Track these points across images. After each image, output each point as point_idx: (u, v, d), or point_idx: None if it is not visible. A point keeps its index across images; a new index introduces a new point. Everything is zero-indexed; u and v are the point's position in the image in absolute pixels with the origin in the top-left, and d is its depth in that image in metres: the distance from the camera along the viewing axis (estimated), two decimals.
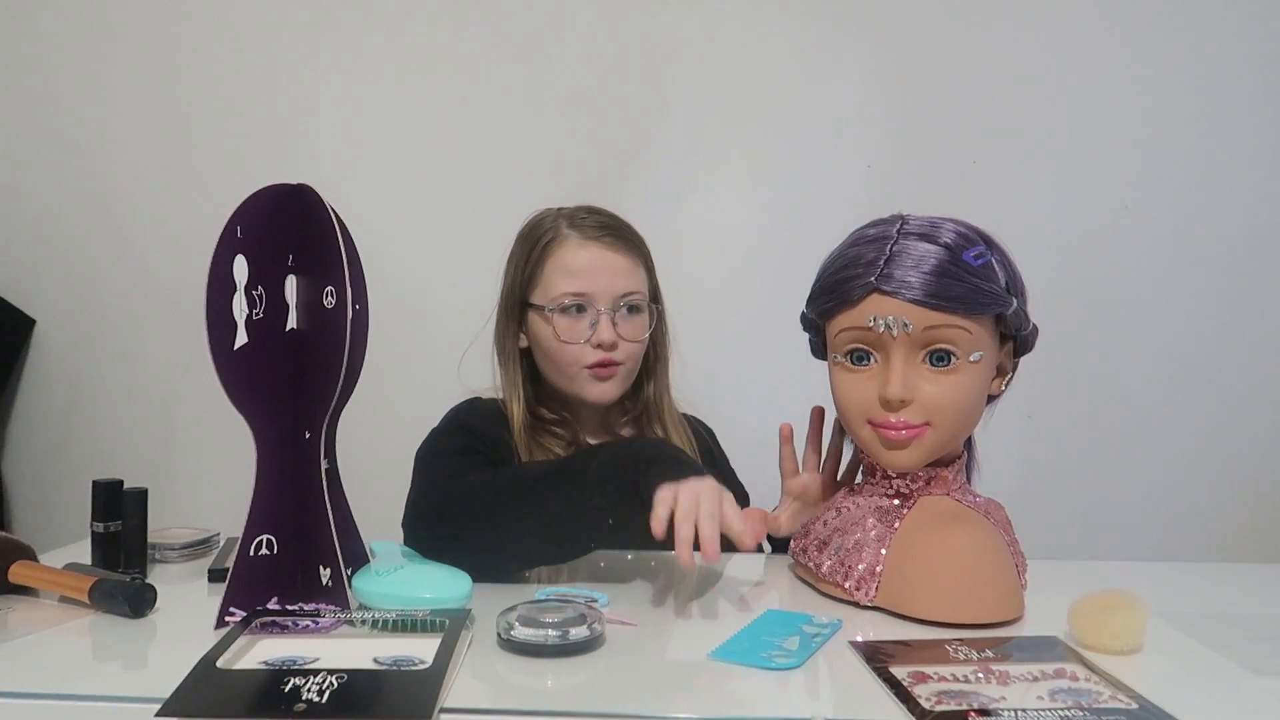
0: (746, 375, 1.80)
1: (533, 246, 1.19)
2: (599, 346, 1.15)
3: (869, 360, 0.91)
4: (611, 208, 1.23)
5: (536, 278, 1.18)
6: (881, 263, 0.88)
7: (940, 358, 0.89)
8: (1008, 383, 0.97)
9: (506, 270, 1.23)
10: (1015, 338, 0.95)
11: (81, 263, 1.99)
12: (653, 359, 1.25)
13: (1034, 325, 0.95)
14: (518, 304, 1.20)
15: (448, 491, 1.01)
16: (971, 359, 0.89)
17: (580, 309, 1.15)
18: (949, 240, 0.89)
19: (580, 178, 1.82)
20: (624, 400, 1.25)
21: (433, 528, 0.98)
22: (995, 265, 0.90)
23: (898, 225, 0.91)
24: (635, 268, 1.19)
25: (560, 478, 0.94)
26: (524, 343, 1.21)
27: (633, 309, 1.18)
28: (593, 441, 1.22)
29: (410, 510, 1.03)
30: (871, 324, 0.89)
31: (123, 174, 1.95)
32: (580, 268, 1.16)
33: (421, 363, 1.78)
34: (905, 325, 0.87)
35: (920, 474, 0.94)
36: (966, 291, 0.87)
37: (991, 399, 0.97)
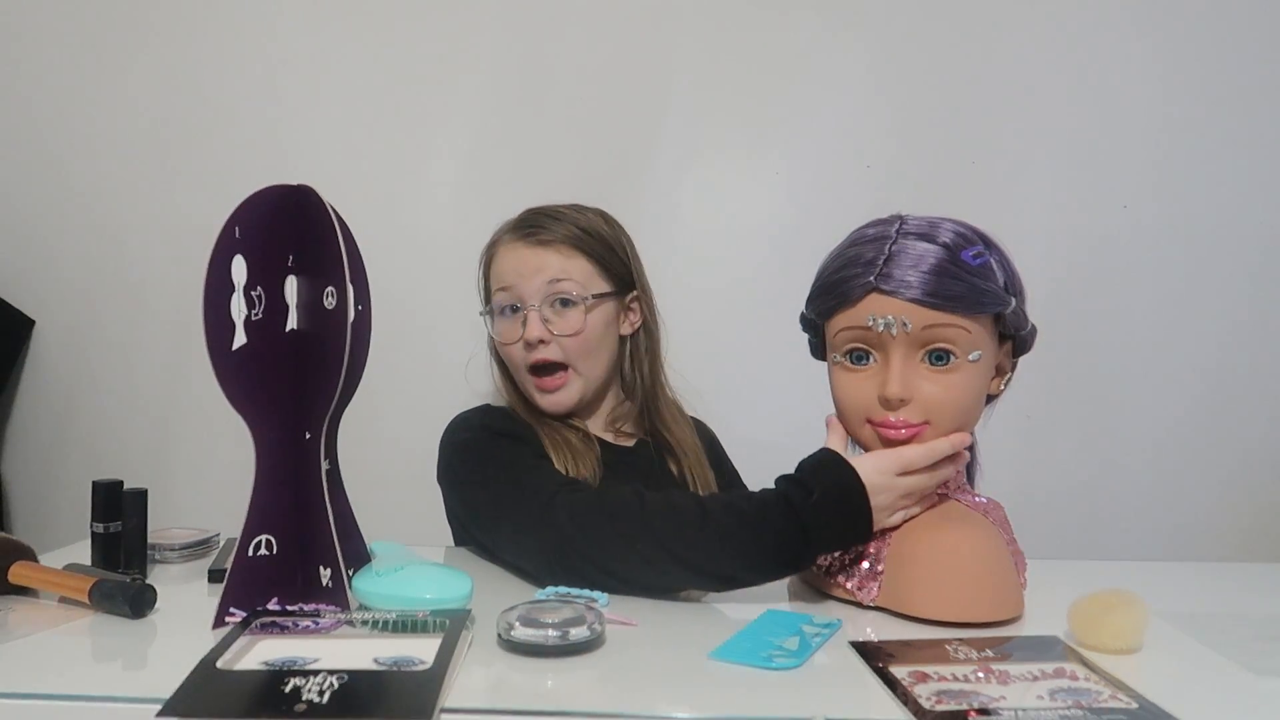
0: (746, 375, 1.80)
1: (484, 256, 1.23)
2: (528, 345, 1.15)
3: (868, 360, 0.92)
4: (610, 207, 1.23)
5: (487, 285, 1.22)
6: (881, 262, 0.89)
7: (939, 357, 0.89)
8: (1007, 382, 0.97)
9: None
10: (1014, 338, 0.95)
11: (81, 263, 1.99)
12: (641, 349, 1.23)
13: (1032, 325, 0.96)
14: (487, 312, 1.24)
15: (610, 504, 0.95)
16: (970, 358, 0.89)
17: (513, 309, 1.17)
18: (948, 240, 0.89)
19: (581, 177, 1.82)
20: (621, 394, 1.25)
21: (585, 530, 0.93)
22: (994, 265, 0.90)
23: (896, 225, 0.91)
24: (564, 261, 1.16)
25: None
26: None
27: (565, 302, 1.16)
28: (603, 437, 1.21)
29: (521, 509, 0.98)
30: (871, 323, 0.89)
31: (122, 175, 1.95)
32: (506, 268, 1.18)
33: (424, 363, 1.78)
34: (904, 324, 0.88)
35: None
36: (965, 290, 0.87)
37: (991, 399, 0.97)
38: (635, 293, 1.22)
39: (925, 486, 0.91)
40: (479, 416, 1.17)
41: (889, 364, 0.89)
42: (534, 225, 1.19)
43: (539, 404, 1.19)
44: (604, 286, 1.18)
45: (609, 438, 1.22)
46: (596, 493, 1.01)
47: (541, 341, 1.15)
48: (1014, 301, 0.91)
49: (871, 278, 0.88)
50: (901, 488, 0.90)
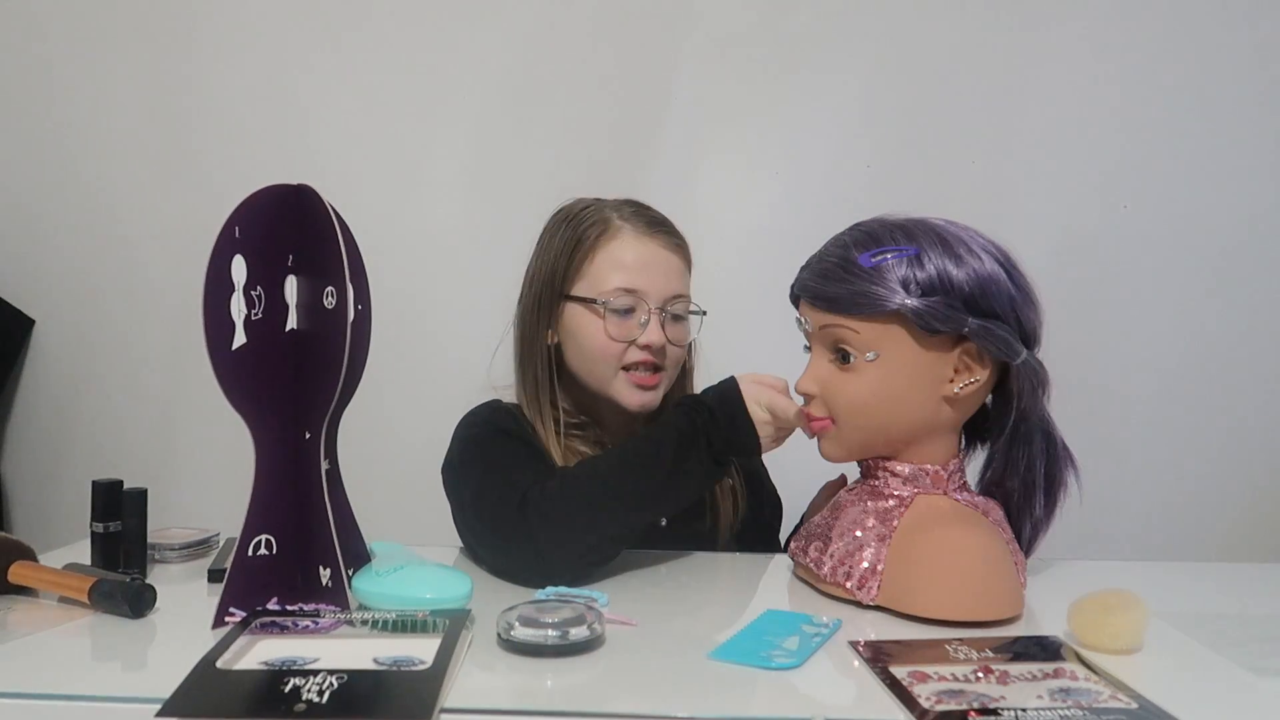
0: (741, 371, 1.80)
1: (579, 237, 1.13)
2: (645, 347, 1.11)
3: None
4: None
5: (583, 270, 1.13)
6: (805, 269, 0.97)
7: (844, 356, 0.93)
8: (966, 384, 0.91)
9: (541, 259, 1.16)
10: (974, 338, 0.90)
11: (81, 263, 1.99)
12: (688, 364, 1.22)
13: (977, 324, 0.89)
14: (555, 296, 1.14)
15: (561, 485, 0.99)
16: (867, 358, 0.91)
17: (629, 309, 1.11)
18: (847, 240, 0.93)
19: (580, 177, 1.80)
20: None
21: (551, 520, 0.96)
22: (893, 265, 0.89)
23: (849, 228, 0.96)
24: (684, 271, 1.16)
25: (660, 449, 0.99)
26: (552, 339, 1.16)
27: (679, 316, 1.14)
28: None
29: (498, 510, 0.99)
30: (797, 322, 0.98)
31: (123, 174, 1.95)
32: (634, 262, 1.11)
33: (424, 363, 1.78)
34: (804, 323, 0.96)
35: (909, 475, 0.95)
36: (843, 293, 0.90)
37: (1009, 404, 0.96)
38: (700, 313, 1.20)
39: (785, 411, 1.00)
40: (486, 412, 1.15)
41: (810, 360, 0.97)
42: (661, 224, 1.15)
43: (629, 403, 1.13)
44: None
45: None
46: (550, 485, 1.01)
47: (662, 349, 1.12)
48: (909, 302, 0.88)
49: (796, 280, 0.97)
50: (771, 400, 1.00)
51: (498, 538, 1.01)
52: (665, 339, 1.12)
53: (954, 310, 0.89)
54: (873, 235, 0.92)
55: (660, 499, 1.01)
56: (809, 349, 0.98)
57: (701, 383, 1.24)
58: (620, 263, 1.12)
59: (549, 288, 1.14)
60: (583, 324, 1.12)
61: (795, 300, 0.99)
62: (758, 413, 1.00)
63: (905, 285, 0.89)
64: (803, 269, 0.97)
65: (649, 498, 1.00)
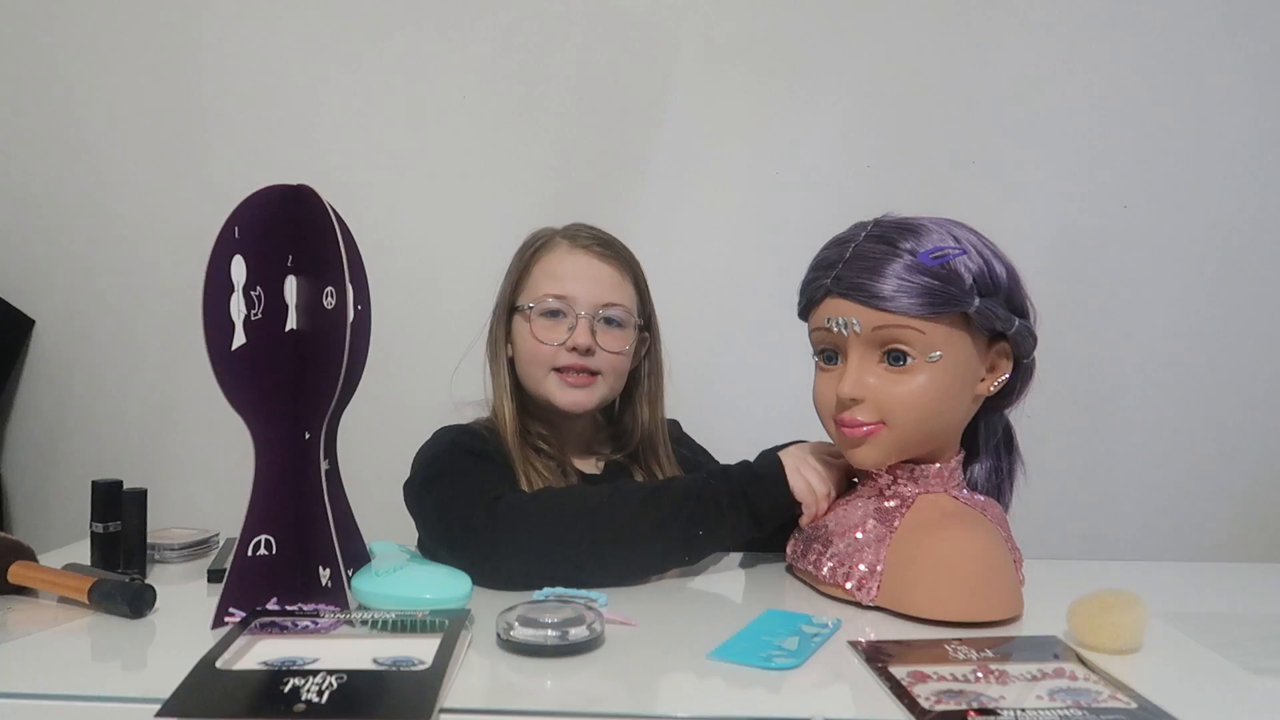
0: (746, 378, 1.80)
1: (524, 253, 1.22)
2: (573, 349, 1.14)
3: (837, 360, 0.94)
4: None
5: (524, 281, 1.20)
6: (839, 265, 0.91)
7: (896, 357, 0.90)
8: (999, 383, 0.94)
9: (501, 283, 1.24)
10: (1008, 337, 0.93)
11: (81, 263, 1.99)
12: (648, 388, 1.24)
13: (1020, 324, 0.92)
14: (507, 309, 1.21)
15: (540, 496, 1.03)
16: (930, 359, 0.89)
17: (559, 313, 1.16)
18: (905, 240, 0.89)
19: (580, 176, 1.82)
20: (616, 429, 1.26)
21: (521, 523, 0.97)
22: (958, 265, 0.88)
23: (869, 227, 0.93)
24: (621, 282, 1.19)
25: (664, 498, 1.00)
26: (510, 352, 1.22)
27: (613, 321, 1.17)
28: (579, 465, 1.21)
29: (460, 524, 0.99)
30: (828, 324, 0.92)
31: (123, 174, 1.95)
32: (564, 272, 1.17)
33: (423, 363, 1.78)
34: (855, 326, 0.90)
35: (910, 476, 0.95)
36: (911, 291, 0.87)
37: (1001, 400, 0.96)
38: (648, 335, 1.24)
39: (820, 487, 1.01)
40: (454, 433, 1.16)
41: (847, 363, 0.92)
42: (597, 239, 1.20)
43: (560, 401, 1.16)
44: (638, 319, 1.22)
45: (587, 466, 1.23)
46: (525, 495, 1.04)
47: (589, 350, 1.15)
48: (976, 302, 0.88)
49: (828, 280, 0.91)
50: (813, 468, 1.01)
51: (461, 535, 0.99)
52: (593, 342, 1.15)
53: (1004, 309, 0.90)
54: (927, 234, 0.90)
55: (643, 551, 0.99)
56: (822, 354, 0.95)
57: (672, 392, 1.28)
58: (552, 272, 1.18)
59: (502, 304, 1.22)
60: (520, 331, 1.19)
61: (817, 300, 0.94)
62: (799, 486, 1.00)
63: (975, 285, 0.89)
64: (833, 265, 0.92)
65: (624, 544, 0.98)
